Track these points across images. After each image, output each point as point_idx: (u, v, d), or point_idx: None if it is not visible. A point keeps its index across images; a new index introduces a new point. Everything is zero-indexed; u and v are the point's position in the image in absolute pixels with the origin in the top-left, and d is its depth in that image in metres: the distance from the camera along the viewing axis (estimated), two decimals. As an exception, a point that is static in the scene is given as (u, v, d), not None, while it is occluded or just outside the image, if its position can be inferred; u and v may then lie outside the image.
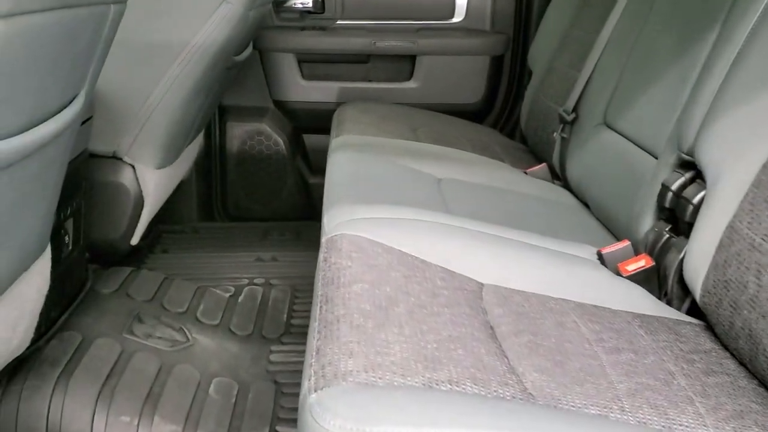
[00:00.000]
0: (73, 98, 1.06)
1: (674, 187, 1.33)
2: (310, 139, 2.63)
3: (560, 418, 0.80)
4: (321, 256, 1.14)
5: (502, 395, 0.83)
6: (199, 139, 2.38)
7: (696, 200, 1.26)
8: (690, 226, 1.26)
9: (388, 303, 0.97)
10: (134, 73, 1.70)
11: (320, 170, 2.53)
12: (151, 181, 1.80)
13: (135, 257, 2.16)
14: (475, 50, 2.53)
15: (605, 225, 1.64)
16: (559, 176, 1.98)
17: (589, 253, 1.36)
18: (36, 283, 1.21)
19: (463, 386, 0.82)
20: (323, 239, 1.21)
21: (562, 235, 1.50)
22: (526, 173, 1.95)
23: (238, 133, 2.52)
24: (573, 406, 0.86)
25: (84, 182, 1.65)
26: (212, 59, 1.74)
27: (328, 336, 0.88)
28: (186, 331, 1.68)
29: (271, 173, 2.56)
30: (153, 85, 1.71)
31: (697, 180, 1.30)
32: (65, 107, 1.02)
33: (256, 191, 2.57)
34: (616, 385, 0.92)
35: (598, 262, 1.35)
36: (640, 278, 1.29)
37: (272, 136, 2.53)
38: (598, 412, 0.86)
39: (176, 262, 2.19)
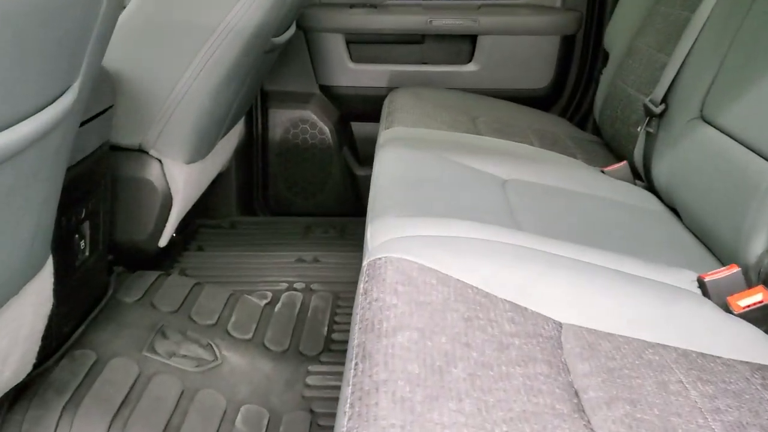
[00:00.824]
0: (63, 92, 0.86)
1: (803, 203, 1.07)
2: (359, 128, 2.42)
3: None
4: (361, 286, 0.93)
5: None
6: (239, 127, 2.19)
7: (832, 222, 1.00)
8: (825, 254, 1.01)
9: (443, 362, 0.76)
10: (159, 57, 1.52)
11: (369, 161, 2.31)
12: (180, 177, 1.62)
13: (168, 254, 2.00)
14: (544, 29, 2.27)
15: (701, 240, 1.39)
16: (641, 176, 1.72)
17: (687, 280, 1.12)
18: (32, 304, 1.04)
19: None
20: (364, 261, 1.00)
21: (651, 252, 1.25)
22: (603, 172, 1.70)
23: (280, 121, 2.33)
24: None
25: (104, 179, 1.48)
26: (247, 42, 1.54)
27: (362, 413, 0.67)
28: (214, 347, 1.50)
29: (316, 164, 2.36)
30: (180, 71, 1.52)
31: (833, 195, 1.04)
32: (50, 104, 0.82)
33: (299, 183, 2.37)
34: (748, 485, 0.69)
35: (700, 292, 1.11)
36: (755, 316, 1.04)
37: (317, 124, 2.32)
38: None
39: (211, 261, 2.02)
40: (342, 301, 1.82)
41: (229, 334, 1.57)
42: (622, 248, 1.23)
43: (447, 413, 0.67)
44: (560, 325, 0.94)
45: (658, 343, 0.94)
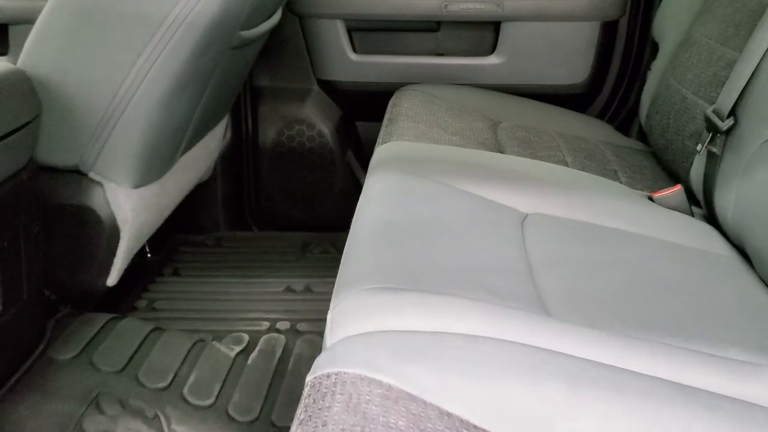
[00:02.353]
0: None
1: None
2: (365, 129, 2.10)
3: None
4: (295, 418, 0.63)
5: None
6: (221, 129, 1.89)
7: None
8: None
9: None
10: (93, 59, 1.22)
11: (375, 168, 2.01)
12: (127, 203, 1.33)
13: (136, 281, 1.72)
14: (581, 15, 1.91)
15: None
16: (698, 201, 1.38)
17: (775, 384, 0.79)
18: None
19: None
20: (310, 377, 0.70)
21: (723, 328, 0.93)
22: (651, 199, 1.36)
23: (273, 121, 2.02)
24: None
25: (25, 209, 1.19)
26: (203, 37, 1.23)
27: None
28: (163, 420, 1.22)
29: (315, 171, 2.05)
30: (120, 75, 1.22)
31: None
32: None
33: (296, 193, 2.07)
34: None
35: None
36: None
37: (316, 125, 2.01)
38: None
39: (184, 291, 1.73)
40: (331, 346, 1.52)
41: (184, 399, 1.28)
42: (682, 326, 0.91)
43: None
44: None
45: None
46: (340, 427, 0.61)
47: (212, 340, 1.48)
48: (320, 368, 0.70)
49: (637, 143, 1.77)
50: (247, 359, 1.45)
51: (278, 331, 1.58)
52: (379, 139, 1.48)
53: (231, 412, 1.29)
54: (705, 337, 0.89)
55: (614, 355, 0.78)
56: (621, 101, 1.99)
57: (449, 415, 0.65)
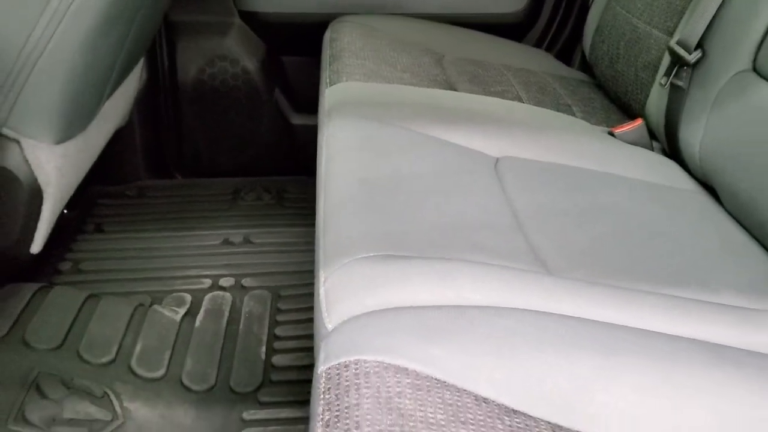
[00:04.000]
0: None
1: None
2: (293, 64, 1.96)
3: None
4: (316, 418, 0.56)
5: None
6: (138, 70, 1.71)
7: None
8: None
9: None
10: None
11: (307, 106, 1.89)
12: (49, 162, 1.17)
13: (55, 242, 1.56)
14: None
15: (750, 232, 1.05)
16: (654, 134, 1.36)
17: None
18: None
19: None
20: (318, 369, 0.62)
21: (709, 272, 0.91)
22: (612, 134, 1.33)
23: (192, 59, 1.84)
24: None
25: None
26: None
27: None
28: (113, 398, 1.11)
29: (241, 111, 1.90)
30: (33, 14, 1.05)
31: None
32: None
33: (222, 136, 1.92)
34: None
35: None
36: None
37: (239, 61, 1.85)
38: None
39: (112, 250, 1.59)
40: (284, 301, 1.44)
41: (133, 372, 1.18)
42: (676, 273, 0.89)
43: None
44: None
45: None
46: (377, 428, 0.54)
47: (153, 304, 1.37)
48: (334, 356, 0.62)
49: (581, 74, 1.73)
50: (194, 322, 1.35)
51: (222, 288, 1.47)
52: (325, 79, 1.36)
53: (186, 381, 1.20)
54: (697, 283, 0.87)
55: (630, 313, 0.74)
56: (558, 30, 1.94)
57: (486, 401, 0.59)
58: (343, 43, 1.52)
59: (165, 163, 1.93)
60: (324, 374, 0.61)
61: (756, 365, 0.70)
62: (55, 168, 1.19)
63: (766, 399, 0.67)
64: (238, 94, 1.90)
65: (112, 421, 1.08)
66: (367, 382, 0.58)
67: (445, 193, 0.96)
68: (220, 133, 1.93)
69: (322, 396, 0.59)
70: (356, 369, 0.60)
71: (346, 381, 0.59)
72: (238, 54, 1.87)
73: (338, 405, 0.57)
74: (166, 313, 1.34)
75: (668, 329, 0.74)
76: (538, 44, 1.95)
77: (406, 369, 0.60)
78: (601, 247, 0.90)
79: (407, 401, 0.57)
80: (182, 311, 1.37)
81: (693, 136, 1.20)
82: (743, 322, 0.78)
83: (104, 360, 1.18)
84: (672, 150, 1.29)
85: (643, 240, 0.95)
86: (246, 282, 1.50)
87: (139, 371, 1.19)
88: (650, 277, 0.86)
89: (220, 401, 1.18)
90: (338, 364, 0.61)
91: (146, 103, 1.84)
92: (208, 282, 1.49)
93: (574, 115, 1.42)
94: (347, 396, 0.57)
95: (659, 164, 1.25)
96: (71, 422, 1.06)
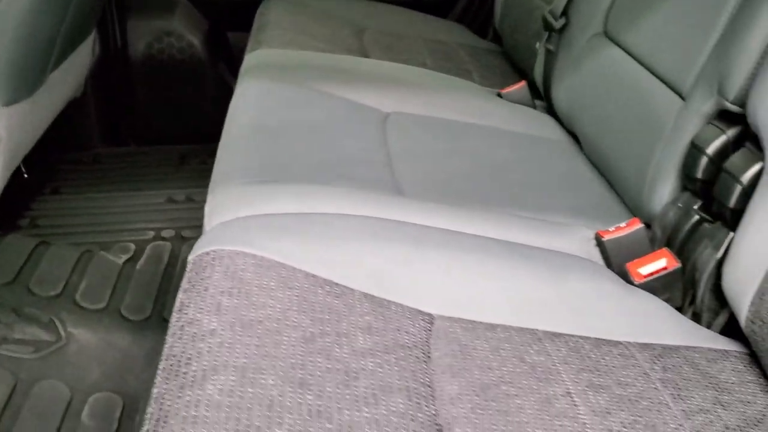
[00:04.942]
0: None
1: (711, 149, 0.92)
2: (236, 39, 2.13)
3: None
4: (178, 301, 0.73)
5: None
6: (90, 43, 1.87)
7: (746, 177, 0.86)
8: (735, 212, 0.87)
9: (264, 420, 0.58)
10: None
11: (249, 78, 2.05)
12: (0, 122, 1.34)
13: (15, 202, 1.73)
14: None
15: (603, 174, 1.24)
16: (541, 95, 1.55)
17: (583, 238, 0.97)
18: None
19: None
20: (191, 256, 0.80)
21: (547, 199, 1.10)
22: (500, 95, 1.51)
23: (141, 35, 2.01)
24: None
25: None
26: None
27: None
28: (58, 324, 1.29)
29: (188, 83, 2.07)
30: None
31: (747, 144, 0.89)
32: None
33: (170, 106, 2.09)
34: None
35: (596, 253, 0.96)
36: (657, 285, 0.91)
37: (185, 37, 2.02)
38: None
39: (67, 208, 1.76)
40: (217, 248, 1.62)
41: (77, 304, 1.36)
42: (516, 198, 1.07)
43: None
44: (432, 319, 0.78)
45: (546, 333, 0.80)
46: (219, 290, 0.72)
47: (99, 251, 1.54)
48: (200, 248, 0.80)
49: (491, 45, 1.91)
50: (136, 265, 1.52)
51: (164, 239, 1.65)
52: (248, 48, 1.54)
53: (124, 312, 1.37)
54: (531, 205, 1.06)
55: (453, 222, 0.92)
56: (479, 6, 2.11)
57: (314, 276, 0.77)
58: (270, 17, 1.69)
59: (119, 131, 2.10)
60: (191, 261, 0.79)
61: (542, 257, 0.88)
62: (4, 128, 1.35)
63: (545, 282, 0.86)
64: (185, 67, 2.06)
65: (56, 342, 1.26)
66: (220, 263, 0.76)
67: (330, 138, 1.13)
68: (169, 104, 2.10)
69: (186, 275, 0.77)
70: (214, 255, 0.78)
71: (205, 263, 0.77)
72: (184, 30, 2.03)
73: (195, 277, 0.75)
74: (111, 257, 1.52)
75: (485, 234, 0.92)
76: (460, 20, 2.13)
77: (254, 254, 0.78)
78: (454, 180, 1.09)
79: (248, 274, 0.75)
80: (126, 257, 1.55)
81: (560, 91, 1.38)
82: (551, 231, 0.97)
83: (51, 294, 1.36)
84: (549, 107, 1.48)
85: (495, 174, 1.14)
86: (185, 233, 1.67)
87: (83, 303, 1.36)
88: (490, 199, 1.04)
89: (153, 328, 1.36)
90: (202, 253, 0.79)
91: (100, 76, 2.00)
92: (151, 234, 1.66)
93: (472, 79, 1.60)
94: (203, 272, 0.75)
95: (535, 119, 1.43)
96: (19, 341, 1.23)
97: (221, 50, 2.12)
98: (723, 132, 0.92)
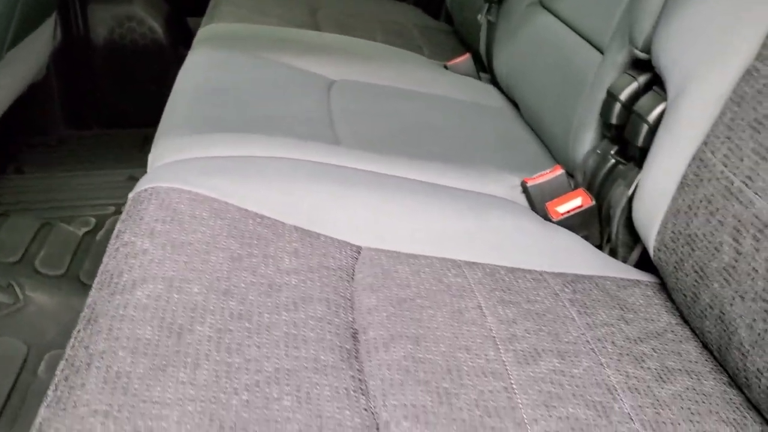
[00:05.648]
0: None
1: (623, 96, 0.99)
2: (195, 23, 2.17)
3: None
4: (116, 230, 0.78)
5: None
6: (51, 26, 1.91)
7: (652, 117, 0.92)
8: (644, 151, 0.93)
9: (187, 319, 0.63)
10: None
11: (210, 62, 2.10)
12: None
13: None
14: None
15: (539, 136, 1.31)
16: (485, 68, 1.61)
17: (509, 186, 1.03)
18: None
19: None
20: (130, 194, 0.85)
21: (481, 155, 1.16)
22: (446, 67, 1.57)
23: (103, 20, 2.05)
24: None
25: None
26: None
27: (63, 398, 0.54)
28: (16, 288, 1.33)
29: (150, 67, 2.11)
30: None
31: (655, 88, 0.96)
32: None
33: (133, 90, 2.13)
34: (528, 429, 0.62)
35: (522, 197, 1.03)
36: (575, 222, 0.98)
37: (146, 22, 2.07)
38: (498, 489, 0.56)
39: (30, 185, 1.80)
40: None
41: (36, 271, 1.40)
42: (449, 152, 1.13)
43: (173, 387, 0.56)
44: (359, 249, 0.84)
45: (466, 262, 0.85)
46: (154, 218, 0.77)
47: (59, 223, 1.58)
48: (140, 186, 0.85)
49: (444, 25, 1.98)
50: (95, 237, 1.57)
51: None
52: (202, 22, 1.59)
53: (83, 278, 1.42)
54: (463, 158, 1.12)
55: (384, 167, 0.98)
56: (433, -11, 2.18)
57: (246, 210, 0.83)
58: (225, -3, 1.74)
59: (82, 115, 2.13)
60: (130, 198, 0.84)
61: (466, 197, 0.94)
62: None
63: (467, 218, 0.91)
64: (147, 52, 2.11)
65: (14, 304, 1.30)
66: (156, 198, 0.81)
67: (274, 98, 1.19)
68: (132, 88, 2.14)
69: (125, 210, 0.82)
70: (151, 191, 0.83)
71: (142, 198, 0.82)
72: (145, 15, 2.08)
73: (132, 210, 0.80)
74: (71, 229, 1.56)
75: (415, 178, 0.98)
76: (416, 3, 2.19)
77: (189, 190, 0.83)
78: (391, 136, 1.14)
79: (182, 206, 0.80)
80: (86, 229, 1.59)
81: (501, 60, 1.45)
82: (478, 178, 1.03)
83: (11, 260, 1.40)
84: (493, 78, 1.54)
85: (431, 133, 1.20)
86: (146, 207, 1.71)
87: (42, 270, 1.41)
88: (424, 152, 1.10)
89: (111, 292, 1.40)
90: (140, 190, 0.84)
91: (62, 60, 2.04)
92: (111, 209, 1.71)
93: (422, 54, 1.66)
94: (140, 205, 0.80)
95: (478, 88, 1.50)
96: (-22, 303, 1.28)
97: (182, 35, 2.16)
98: (635, 79, 0.98)
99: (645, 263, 0.96)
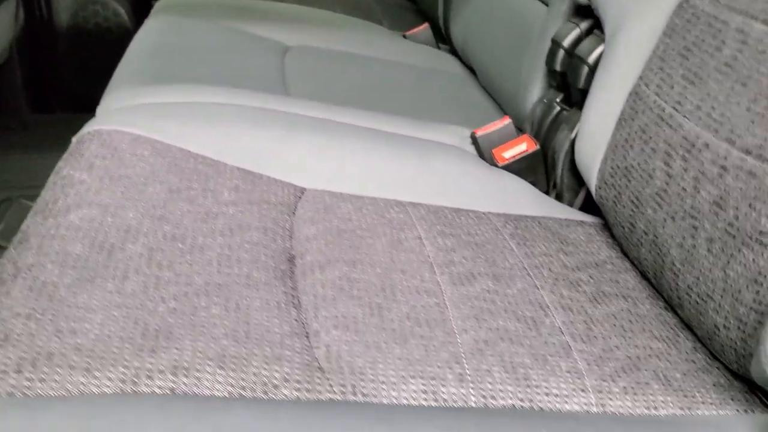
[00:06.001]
0: None
1: (566, 42, 1.00)
2: (161, 7, 2.18)
3: (341, 414, 0.50)
4: (56, 167, 0.79)
5: (259, 381, 0.53)
6: (12, 9, 1.91)
7: (592, 58, 0.94)
8: (585, 93, 0.95)
9: (119, 239, 0.64)
10: None
11: (176, 45, 2.10)
12: None
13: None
14: None
15: (495, 99, 1.32)
16: (445, 40, 1.63)
17: (459, 137, 1.05)
18: None
19: (198, 380, 0.51)
20: (74, 138, 0.86)
21: (433, 112, 1.17)
22: (405, 36, 1.59)
23: (67, 3, 2.05)
24: (381, 381, 0.56)
25: None
26: None
27: (-13, 305, 0.54)
28: (-26, 258, 1.32)
29: (114, 51, 2.09)
30: None
31: (595, 31, 0.98)
32: None
33: (98, 74, 2.12)
34: (458, 338, 0.63)
35: (471, 148, 1.04)
36: (521, 167, 0.99)
37: (110, 5, 2.06)
38: (422, 388, 0.56)
39: (-9, 166, 1.79)
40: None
41: (-6, 242, 1.39)
42: (400, 109, 1.14)
43: (100, 295, 0.56)
44: (303, 190, 0.84)
45: (411, 202, 0.86)
46: (94, 155, 0.77)
47: (20, 199, 1.57)
48: (85, 129, 0.85)
49: (406, 2, 1.99)
50: (57, 211, 1.56)
51: (88, 189, 1.68)
52: (160, -3, 1.59)
53: (42, 250, 1.41)
54: (414, 112, 1.13)
55: (330, 114, 0.99)
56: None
57: (189, 152, 0.83)
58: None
59: (46, 99, 2.12)
60: (73, 141, 0.84)
61: (413, 143, 0.95)
62: None
63: (413, 162, 0.92)
64: (111, 35, 2.10)
65: (-29, 273, 1.29)
66: (98, 138, 0.82)
67: (227, 60, 1.19)
68: (97, 72, 2.13)
69: (68, 150, 0.82)
70: (94, 133, 0.83)
71: (85, 139, 0.82)
72: (108, -1, 2.08)
73: (74, 150, 0.80)
74: (32, 204, 1.55)
75: (364, 125, 0.99)
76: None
77: (132, 132, 0.83)
78: (342, 94, 1.15)
79: (124, 145, 0.80)
80: (47, 205, 1.58)
81: (458, 29, 1.46)
82: (428, 128, 1.04)
83: (-31, 232, 1.39)
84: (451, 47, 1.56)
85: (384, 92, 1.21)
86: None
87: (2, 242, 1.40)
88: (373, 106, 1.11)
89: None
90: (84, 133, 0.84)
91: (26, 45, 2.03)
92: (75, 186, 1.70)
93: (382, 25, 1.68)
94: (83, 145, 0.81)
95: (436, 56, 1.51)
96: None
97: (146, 17, 2.16)
98: (577, 26, 1.00)
99: (590, 209, 0.98)
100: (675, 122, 0.75)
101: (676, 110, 0.75)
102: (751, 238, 0.62)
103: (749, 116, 0.65)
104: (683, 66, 0.76)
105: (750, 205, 0.63)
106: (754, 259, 0.61)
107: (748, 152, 0.64)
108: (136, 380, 0.49)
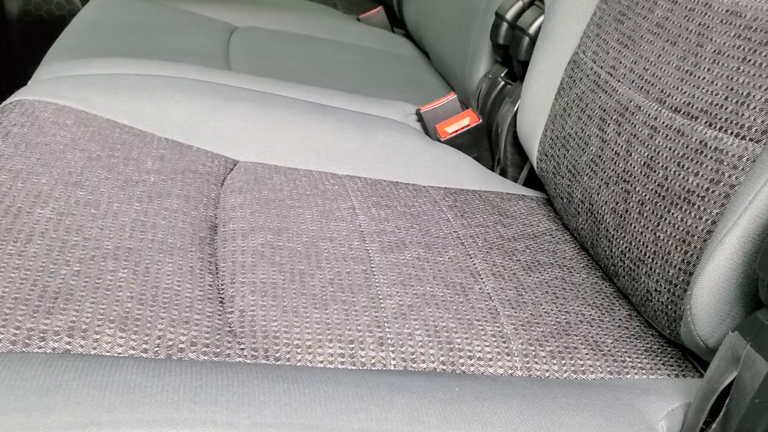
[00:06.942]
0: None
1: (509, 15, 0.99)
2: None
3: (250, 375, 0.48)
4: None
5: (163, 344, 0.50)
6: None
7: (533, 29, 0.93)
8: (526, 65, 0.94)
9: (28, 204, 0.61)
10: None
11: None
12: None
13: None
14: None
15: (444, 78, 1.31)
16: (400, 24, 1.61)
17: (404, 113, 1.03)
18: None
19: (97, 342, 0.48)
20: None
21: (380, 91, 1.15)
22: (359, 20, 1.57)
23: (16, -10, 2.00)
24: (296, 344, 0.54)
25: None
26: None
27: None
28: None
29: (68, 39, 2.06)
30: None
31: (537, 2, 0.96)
32: None
33: (51, 62, 2.08)
34: (383, 302, 0.61)
35: (417, 125, 1.02)
36: (464, 142, 0.97)
37: (62, -8, 2.02)
38: (340, 351, 0.54)
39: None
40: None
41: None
42: (348, 89, 1.12)
43: (-3, 257, 0.53)
44: (235, 162, 0.82)
45: (347, 175, 0.84)
46: (12, 123, 0.74)
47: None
48: (7, 100, 0.82)
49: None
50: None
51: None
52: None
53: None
54: (350, 98, 1.10)
55: (270, 88, 0.96)
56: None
57: (121, 125, 0.80)
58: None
59: (1, 90, 2.07)
60: (-2, 109, 0.81)
61: (354, 117, 0.93)
62: None
63: (353, 136, 0.90)
64: (63, 23, 2.05)
65: None
66: (20, 108, 0.78)
67: (169, 38, 1.16)
68: (49, 60, 2.08)
69: (-11, 121, 0.79)
70: (17, 103, 0.80)
71: (6, 109, 0.79)
72: (61, -15, 2.03)
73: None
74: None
75: (306, 99, 0.96)
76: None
77: (56, 102, 0.80)
78: (289, 71, 1.13)
79: (46, 114, 0.77)
80: None
81: (410, 10, 1.45)
82: (373, 104, 1.02)
83: None
84: (405, 31, 1.54)
85: (333, 72, 1.18)
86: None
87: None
88: (320, 83, 1.08)
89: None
90: (7, 103, 0.81)
91: (-26, 32, 1.98)
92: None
93: (336, 8, 1.65)
94: (3, 114, 0.77)
95: (390, 39, 1.49)
96: None
97: (101, 5, 2.11)
98: (519, -1, 0.99)
99: (535, 185, 0.96)
100: (610, 87, 0.74)
101: (611, 75, 0.74)
102: (679, 197, 0.61)
103: (678, 74, 0.64)
104: (618, 30, 0.75)
105: (678, 164, 0.61)
106: (682, 218, 0.60)
107: (677, 110, 0.63)
108: (28, 341, 0.47)
